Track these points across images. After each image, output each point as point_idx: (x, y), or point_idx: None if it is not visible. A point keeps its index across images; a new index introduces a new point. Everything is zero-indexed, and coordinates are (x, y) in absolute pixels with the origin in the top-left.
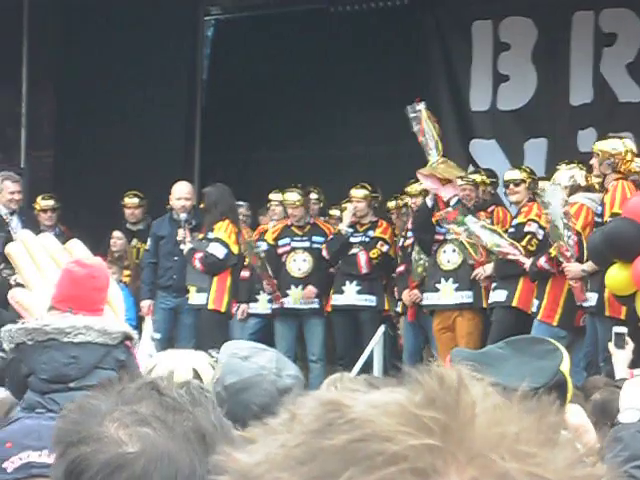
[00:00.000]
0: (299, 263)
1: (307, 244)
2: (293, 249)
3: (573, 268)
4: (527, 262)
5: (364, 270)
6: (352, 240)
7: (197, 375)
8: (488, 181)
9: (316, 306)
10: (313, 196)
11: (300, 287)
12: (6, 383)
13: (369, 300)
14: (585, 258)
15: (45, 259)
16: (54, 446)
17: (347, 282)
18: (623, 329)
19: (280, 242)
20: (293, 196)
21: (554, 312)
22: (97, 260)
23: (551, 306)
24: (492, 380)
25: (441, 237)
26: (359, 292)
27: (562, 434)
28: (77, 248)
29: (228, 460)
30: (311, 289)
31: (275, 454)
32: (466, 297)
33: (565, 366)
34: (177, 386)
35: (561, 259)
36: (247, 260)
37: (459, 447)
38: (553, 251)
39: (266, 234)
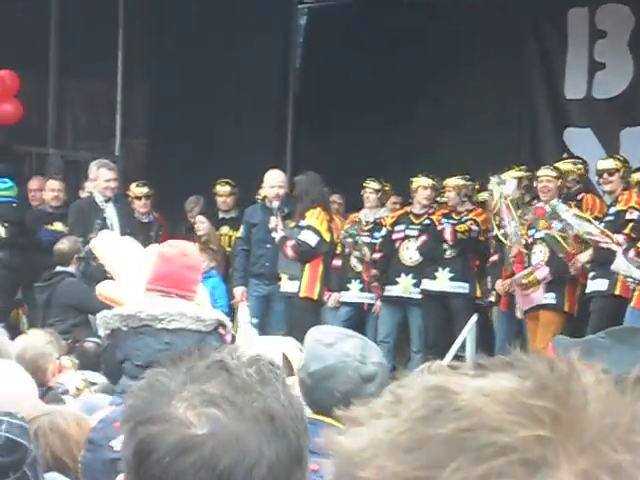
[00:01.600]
0: (411, 252)
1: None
2: (407, 237)
3: None
4: (619, 250)
5: (449, 242)
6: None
7: (286, 360)
8: (575, 168)
9: (420, 296)
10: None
11: (410, 276)
12: (102, 369)
13: (461, 287)
14: None
15: (129, 251)
16: (123, 424)
17: (439, 268)
18: None
19: (396, 228)
20: (426, 181)
21: None
22: (189, 243)
23: None
24: (603, 367)
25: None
26: (451, 279)
27: None
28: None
29: (332, 443)
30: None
31: (380, 440)
32: (550, 298)
33: None
34: (247, 364)
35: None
36: (339, 249)
37: (570, 438)
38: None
39: (384, 219)
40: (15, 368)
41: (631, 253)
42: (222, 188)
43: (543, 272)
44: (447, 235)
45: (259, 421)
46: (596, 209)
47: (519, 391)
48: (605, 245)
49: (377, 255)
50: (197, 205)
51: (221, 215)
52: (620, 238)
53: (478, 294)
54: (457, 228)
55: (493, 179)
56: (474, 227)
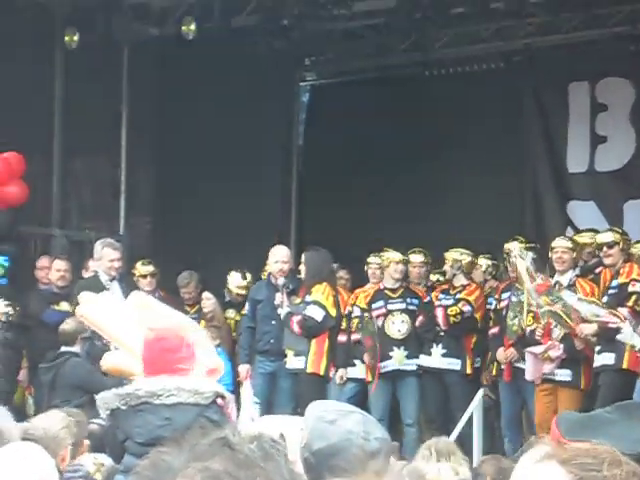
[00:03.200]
0: (398, 325)
1: (403, 305)
2: (389, 312)
3: None
4: (625, 322)
5: (442, 326)
6: (445, 303)
7: (283, 439)
8: (591, 241)
9: (414, 368)
10: (419, 258)
11: (402, 348)
12: (107, 451)
13: (454, 364)
14: None
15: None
16: None
17: (434, 344)
18: None
19: (374, 306)
20: (418, 257)
21: None
22: (171, 321)
23: None
24: (598, 442)
25: (384, 310)
26: (444, 355)
27: None
28: (141, 301)
29: None
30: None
31: None
32: (565, 375)
33: None
34: (249, 441)
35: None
36: (344, 324)
37: None
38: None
39: (357, 298)
40: (40, 453)
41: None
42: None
43: (557, 352)
44: (439, 320)
45: None
46: None
47: None
48: (614, 325)
49: (355, 336)
50: (191, 280)
51: (228, 298)
52: (624, 311)
53: (468, 371)
54: (449, 312)
55: (515, 251)
56: (466, 308)
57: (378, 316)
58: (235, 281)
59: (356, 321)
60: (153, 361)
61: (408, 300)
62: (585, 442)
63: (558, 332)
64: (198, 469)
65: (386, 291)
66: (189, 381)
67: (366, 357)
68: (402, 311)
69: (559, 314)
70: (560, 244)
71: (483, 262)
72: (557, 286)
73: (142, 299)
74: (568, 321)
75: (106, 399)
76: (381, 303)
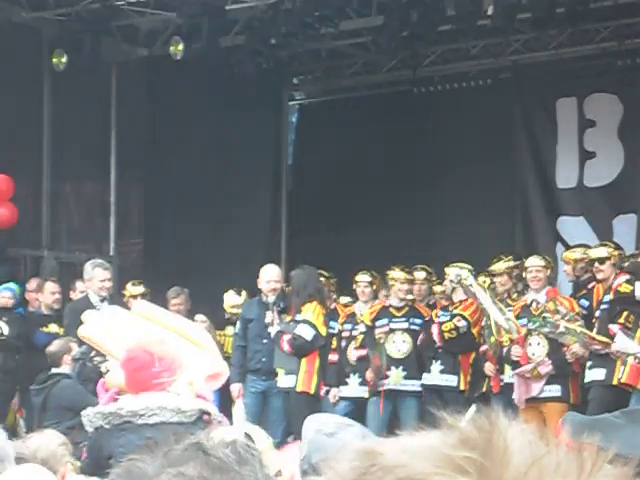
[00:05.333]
0: (399, 344)
1: (406, 325)
2: (392, 330)
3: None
4: (617, 330)
5: (437, 343)
6: (442, 319)
7: (249, 438)
8: (582, 257)
9: (415, 389)
10: (421, 275)
11: (400, 368)
12: (91, 466)
13: (450, 380)
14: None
15: (123, 329)
16: None
17: (433, 361)
18: None
19: (377, 323)
20: (420, 274)
21: None
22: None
23: None
24: (602, 445)
25: (387, 328)
26: (442, 372)
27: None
28: (143, 309)
29: None
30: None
31: None
32: (555, 391)
33: None
34: (223, 445)
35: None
36: (334, 343)
37: None
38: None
39: (363, 315)
40: (44, 473)
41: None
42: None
43: (546, 368)
44: (435, 336)
45: None
46: None
47: (442, 444)
48: (600, 348)
49: (361, 352)
50: (182, 293)
51: (227, 315)
52: (615, 328)
53: (462, 387)
54: (443, 328)
55: (466, 275)
56: (461, 323)
57: (380, 334)
58: (229, 299)
59: (361, 338)
60: (130, 381)
61: (411, 320)
62: (590, 444)
63: (542, 351)
64: (172, 475)
65: (391, 309)
66: (172, 399)
67: (369, 374)
68: (404, 331)
69: (572, 328)
70: (534, 263)
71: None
72: (534, 304)
73: (144, 308)
74: (587, 334)
75: (90, 417)
76: (385, 321)
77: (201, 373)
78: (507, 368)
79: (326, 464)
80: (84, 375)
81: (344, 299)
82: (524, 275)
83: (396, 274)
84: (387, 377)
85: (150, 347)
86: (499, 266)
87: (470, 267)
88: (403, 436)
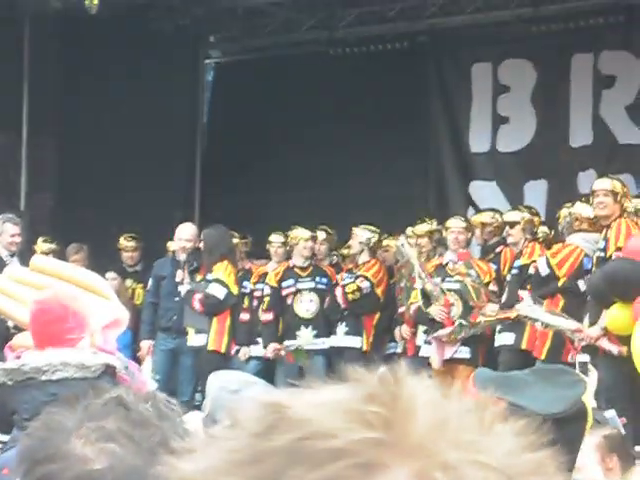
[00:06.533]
0: (306, 304)
1: (312, 284)
2: (298, 290)
3: (593, 333)
4: (525, 295)
5: (342, 305)
6: (346, 282)
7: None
8: (492, 220)
9: (324, 347)
10: (321, 235)
11: (310, 328)
12: None
13: (354, 341)
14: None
15: (24, 291)
16: (20, 464)
17: (339, 323)
18: (586, 357)
19: (284, 284)
20: (305, 233)
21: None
22: (53, 291)
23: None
24: (512, 401)
25: (293, 289)
26: (346, 333)
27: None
28: (40, 262)
29: (171, 470)
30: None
31: (219, 460)
32: (465, 352)
33: (588, 397)
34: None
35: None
36: (246, 302)
37: (402, 439)
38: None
39: (267, 276)
40: None
41: (605, 341)
42: (127, 243)
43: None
44: (339, 298)
45: (158, 454)
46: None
47: (349, 399)
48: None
49: (267, 316)
50: (79, 252)
51: (125, 267)
52: (524, 294)
53: (365, 347)
54: (346, 289)
55: (402, 240)
56: (364, 284)
57: (287, 295)
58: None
59: (267, 300)
60: (39, 334)
61: (317, 279)
62: (499, 400)
63: (456, 311)
64: (92, 429)
65: (296, 269)
66: (75, 355)
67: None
68: (311, 290)
69: (468, 288)
70: (455, 224)
71: (393, 244)
72: (451, 264)
73: (43, 262)
74: (474, 297)
75: None
76: (291, 282)
77: (100, 322)
78: (419, 330)
79: (229, 415)
80: None
81: (259, 262)
82: (444, 235)
83: (299, 232)
84: (294, 337)
85: (65, 301)
86: (421, 228)
87: (377, 229)
88: (309, 390)
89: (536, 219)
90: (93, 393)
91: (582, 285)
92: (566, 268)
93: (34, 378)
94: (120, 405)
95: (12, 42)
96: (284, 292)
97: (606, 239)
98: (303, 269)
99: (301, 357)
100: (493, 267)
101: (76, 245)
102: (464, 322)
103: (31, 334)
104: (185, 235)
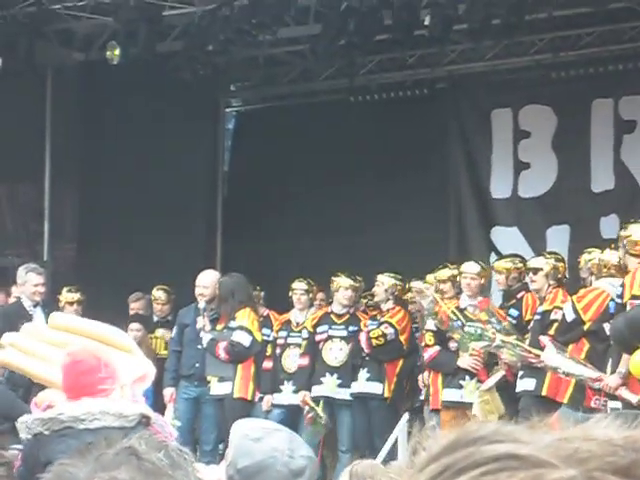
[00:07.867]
0: (335, 352)
1: (344, 333)
2: (330, 337)
3: (612, 382)
4: (547, 343)
5: (365, 350)
6: (370, 328)
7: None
8: (514, 267)
9: (347, 397)
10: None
11: (335, 376)
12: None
13: (376, 388)
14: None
15: (44, 348)
16: None
17: (360, 369)
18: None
19: (318, 329)
20: (345, 281)
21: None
22: (88, 341)
23: None
24: None
25: (325, 335)
26: (368, 379)
27: None
28: (60, 319)
29: None
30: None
31: None
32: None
33: None
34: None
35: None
36: (269, 350)
37: None
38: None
39: (305, 322)
40: None
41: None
42: (160, 295)
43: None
44: (362, 344)
45: None
46: (535, 309)
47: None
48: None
49: (302, 361)
50: (139, 301)
51: (156, 318)
52: (546, 340)
53: (386, 394)
54: (371, 335)
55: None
56: (388, 331)
57: (319, 341)
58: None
59: (304, 344)
60: (73, 385)
61: (350, 328)
62: None
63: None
64: (105, 479)
65: (332, 316)
66: (113, 404)
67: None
68: (342, 338)
69: (513, 343)
70: (468, 269)
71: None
72: (470, 309)
73: (62, 320)
74: (523, 348)
75: (28, 423)
76: (325, 327)
77: (129, 377)
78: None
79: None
80: (13, 381)
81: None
82: (458, 279)
83: (342, 280)
84: (319, 384)
85: (96, 353)
86: (444, 273)
87: (400, 275)
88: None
89: (561, 265)
90: (105, 443)
91: (607, 329)
92: (592, 312)
93: (72, 427)
94: (132, 455)
95: (35, 94)
96: (317, 337)
97: (622, 285)
98: (339, 316)
99: (318, 427)
100: (514, 313)
101: (138, 293)
102: (485, 331)
103: (63, 386)
104: (204, 282)
